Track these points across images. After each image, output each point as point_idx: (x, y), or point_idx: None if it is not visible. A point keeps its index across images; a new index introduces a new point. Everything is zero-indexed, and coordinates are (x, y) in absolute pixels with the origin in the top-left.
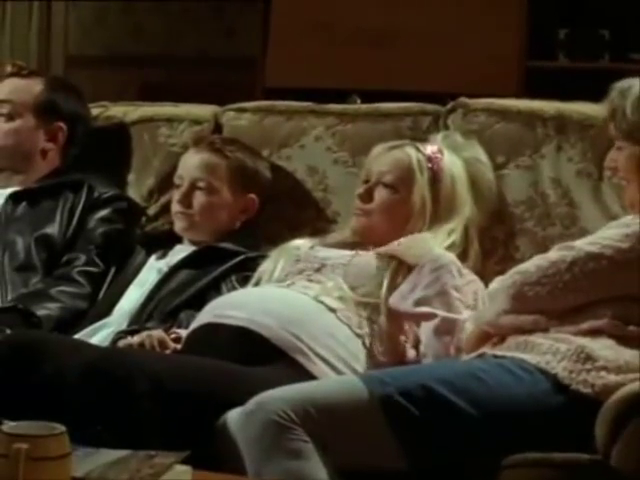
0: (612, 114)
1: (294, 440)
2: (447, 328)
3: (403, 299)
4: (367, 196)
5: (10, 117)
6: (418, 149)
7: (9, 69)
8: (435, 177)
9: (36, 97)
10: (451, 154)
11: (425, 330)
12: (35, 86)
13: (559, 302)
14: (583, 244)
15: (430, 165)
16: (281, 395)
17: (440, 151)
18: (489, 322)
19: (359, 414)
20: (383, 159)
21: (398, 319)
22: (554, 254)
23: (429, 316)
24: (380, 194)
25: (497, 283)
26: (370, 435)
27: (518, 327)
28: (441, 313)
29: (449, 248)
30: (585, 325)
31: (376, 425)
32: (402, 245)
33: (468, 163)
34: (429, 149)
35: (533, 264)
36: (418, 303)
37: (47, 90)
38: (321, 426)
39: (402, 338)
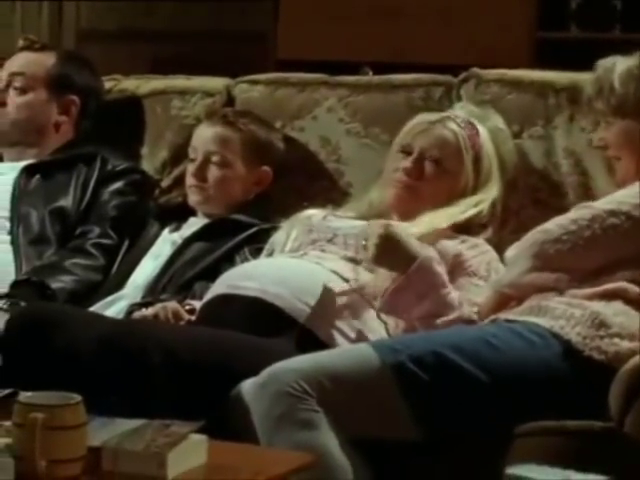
0: (599, 90)
1: (305, 410)
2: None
3: (399, 310)
4: (417, 172)
5: (23, 90)
6: (459, 124)
7: (21, 43)
8: (477, 155)
9: (49, 70)
10: (481, 127)
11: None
12: (48, 59)
13: (580, 260)
14: (600, 203)
15: (471, 143)
16: (294, 366)
17: (475, 128)
18: (511, 283)
19: (371, 382)
20: (427, 134)
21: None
22: (573, 213)
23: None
24: (429, 170)
25: (515, 249)
26: (382, 403)
27: (540, 286)
28: (440, 320)
29: (474, 217)
30: (601, 288)
31: (388, 393)
32: (371, 253)
33: (491, 132)
34: (465, 126)
35: (553, 223)
36: (422, 321)
37: (60, 63)
38: (334, 396)
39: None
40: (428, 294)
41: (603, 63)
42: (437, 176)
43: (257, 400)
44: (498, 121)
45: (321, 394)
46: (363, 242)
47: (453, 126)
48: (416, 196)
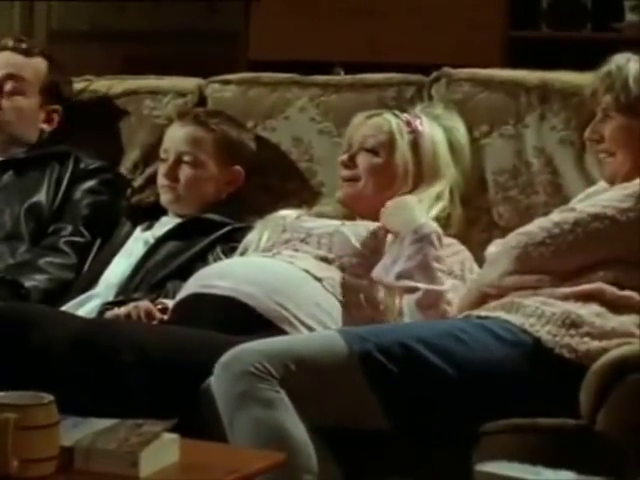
0: (610, 85)
1: (266, 390)
2: (430, 301)
3: (386, 271)
4: (351, 162)
5: (14, 94)
6: (396, 115)
7: (10, 43)
8: (415, 140)
9: (44, 78)
10: (430, 121)
11: (408, 303)
12: (41, 66)
13: (563, 262)
14: (584, 206)
15: (409, 129)
16: (259, 347)
17: (417, 116)
18: (492, 283)
19: (338, 369)
20: (363, 126)
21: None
22: (557, 216)
23: (411, 289)
24: (363, 159)
25: (497, 247)
26: (347, 390)
27: (520, 287)
28: (423, 286)
29: (440, 212)
30: (579, 288)
31: (355, 381)
32: (385, 212)
33: (447, 130)
34: (407, 115)
35: (537, 225)
36: (400, 276)
37: (51, 71)
38: (298, 379)
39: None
40: (416, 257)
41: (617, 59)
42: (371, 162)
43: (220, 379)
44: (456, 121)
45: (285, 376)
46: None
47: (388, 116)
48: (355, 187)
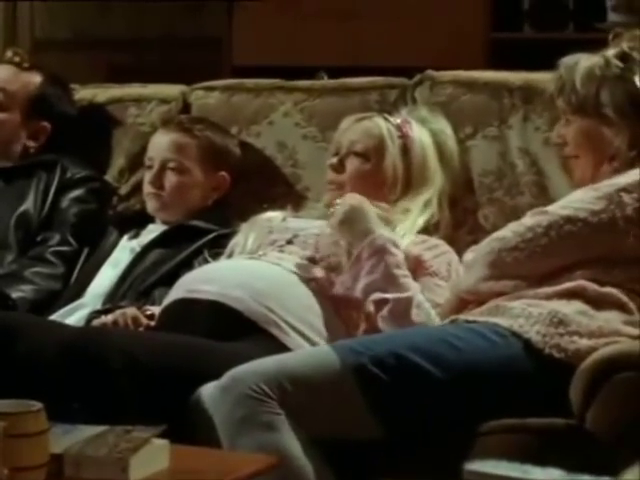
0: (560, 88)
1: (267, 413)
2: (401, 309)
3: (348, 289)
4: (340, 166)
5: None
6: (387, 119)
7: (9, 55)
8: (406, 146)
9: (30, 92)
10: (419, 126)
11: (382, 318)
12: (32, 80)
13: (537, 266)
14: (556, 208)
15: (400, 134)
16: (254, 369)
17: (407, 121)
18: (468, 290)
19: (332, 384)
20: (352, 130)
21: (347, 306)
22: (529, 220)
23: (381, 302)
24: (352, 164)
25: (473, 252)
26: (344, 405)
27: (498, 292)
28: (392, 296)
29: (428, 220)
30: (560, 287)
31: (349, 394)
32: (335, 215)
33: (434, 133)
34: (397, 119)
35: (510, 230)
36: (367, 291)
37: (42, 86)
38: (295, 398)
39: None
40: (377, 268)
41: (566, 61)
42: (360, 168)
43: (219, 403)
44: (443, 124)
45: (282, 396)
46: (331, 209)
47: (378, 120)
48: (342, 192)
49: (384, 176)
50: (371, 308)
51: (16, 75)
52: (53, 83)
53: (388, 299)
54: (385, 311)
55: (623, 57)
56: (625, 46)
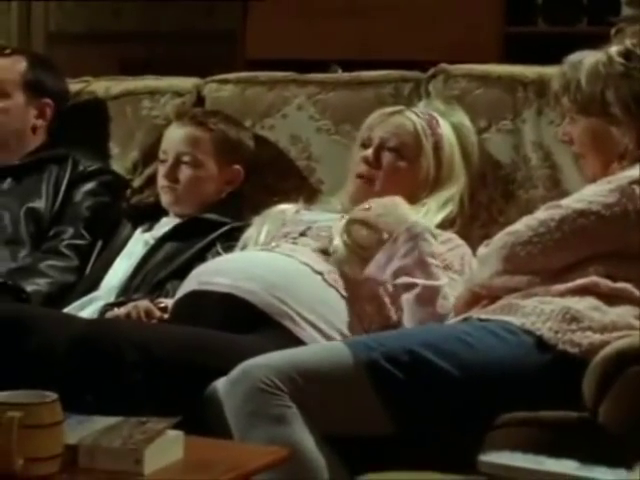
0: (565, 87)
1: (278, 406)
2: (428, 296)
3: (380, 269)
4: (376, 161)
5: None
6: (418, 114)
7: None
8: (437, 144)
9: (23, 75)
10: (444, 121)
11: (407, 300)
12: (19, 64)
13: (551, 260)
14: (570, 202)
15: (431, 131)
16: (266, 362)
17: (433, 117)
18: (482, 284)
19: (345, 380)
20: (385, 124)
21: (376, 288)
22: (543, 213)
23: (410, 286)
24: (387, 159)
25: (487, 247)
26: (356, 401)
27: (512, 288)
28: (421, 282)
29: (447, 217)
30: (573, 283)
31: (362, 390)
32: (373, 211)
33: (455, 127)
34: (424, 115)
35: (523, 224)
36: (397, 274)
37: (32, 68)
38: (307, 393)
39: (387, 300)
40: (411, 253)
41: (570, 59)
42: (396, 164)
43: (230, 397)
44: (462, 117)
45: (293, 390)
46: (359, 206)
47: (411, 115)
48: (373, 187)
49: (417, 175)
50: (397, 289)
51: (3, 63)
52: (39, 62)
53: (417, 284)
54: (412, 294)
55: (627, 54)
56: (629, 43)
